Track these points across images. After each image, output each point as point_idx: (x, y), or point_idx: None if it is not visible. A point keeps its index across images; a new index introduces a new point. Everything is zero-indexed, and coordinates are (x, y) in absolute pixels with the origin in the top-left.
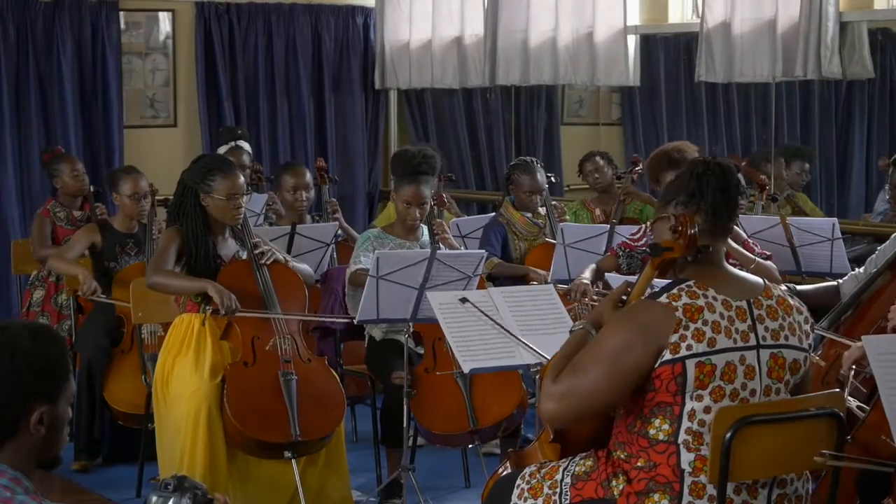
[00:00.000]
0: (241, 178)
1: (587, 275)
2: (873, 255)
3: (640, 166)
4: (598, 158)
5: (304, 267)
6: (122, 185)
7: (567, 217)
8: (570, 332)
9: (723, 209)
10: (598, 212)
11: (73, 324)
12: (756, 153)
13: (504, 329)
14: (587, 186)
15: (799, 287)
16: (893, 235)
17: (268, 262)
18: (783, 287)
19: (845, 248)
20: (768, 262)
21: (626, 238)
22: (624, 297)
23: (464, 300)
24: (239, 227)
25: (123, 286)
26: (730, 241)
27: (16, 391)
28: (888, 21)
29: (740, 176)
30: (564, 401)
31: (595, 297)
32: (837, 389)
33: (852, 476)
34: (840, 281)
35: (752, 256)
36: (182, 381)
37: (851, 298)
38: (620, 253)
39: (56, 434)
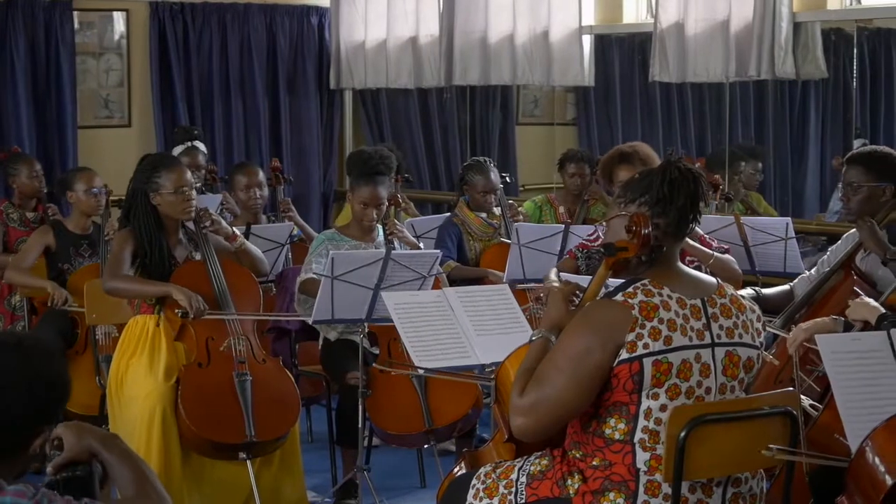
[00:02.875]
0: (188, 172)
1: (555, 277)
2: (825, 256)
3: None
4: (584, 165)
5: (257, 251)
6: (76, 182)
7: (521, 217)
8: (530, 341)
9: (689, 216)
10: (561, 209)
11: (26, 325)
12: (712, 154)
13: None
14: (548, 186)
15: (763, 291)
16: (845, 235)
17: (207, 225)
18: (748, 291)
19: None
20: (727, 256)
21: (583, 239)
22: (575, 298)
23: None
24: (191, 226)
25: (78, 288)
26: (687, 238)
27: (32, 417)
28: (841, 21)
29: (705, 180)
30: (533, 413)
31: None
32: (791, 388)
33: (805, 474)
34: (792, 284)
35: (710, 252)
36: (136, 383)
37: (805, 297)
38: (579, 254)
39: (44, 451)
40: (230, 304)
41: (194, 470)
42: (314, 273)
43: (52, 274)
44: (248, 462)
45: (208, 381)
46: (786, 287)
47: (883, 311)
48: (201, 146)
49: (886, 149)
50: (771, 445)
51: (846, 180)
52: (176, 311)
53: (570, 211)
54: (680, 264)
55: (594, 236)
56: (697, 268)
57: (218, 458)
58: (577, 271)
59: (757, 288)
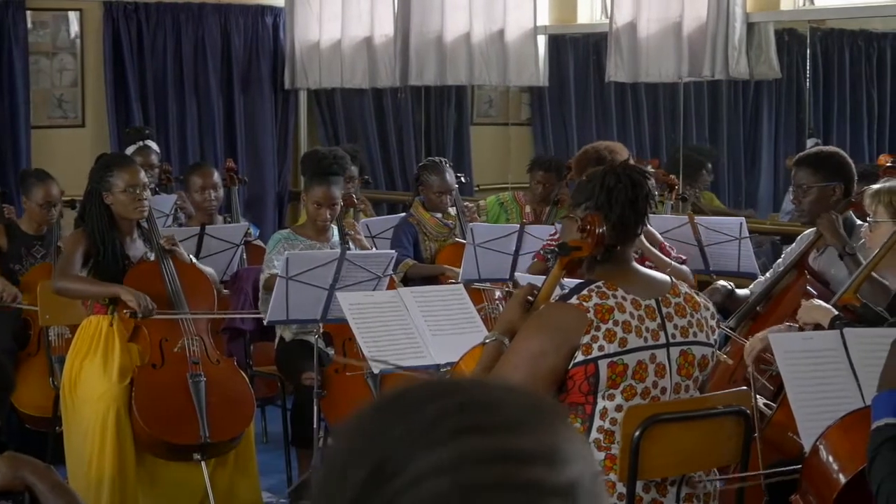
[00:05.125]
0: (141, 172)
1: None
2: (779, 260)
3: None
4: (553, 175)
5: (209, 270)
6: (34, 191)
7: (477, 216)
8: (484, 343)
9: (630, 221)
10: (528, 209)
11: None
12: (670, 156)
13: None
14: (503, 187)
15: (738, 290)
16: (800, 236)
17: (170, 249)
18: (722, 283)
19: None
20: (683, 267)
21: (546, 240)
22: (531, 299)
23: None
24: (146, 226)
25: (30, 288)
26: (647, 244)
27: None
28: (794, 22)
29: (653, 183)
30: None
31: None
32: (745, 387)
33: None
34: (751, 288)
35: (668, 261)
36: (90, 384)
37: (759, 296)
38: (548, 255)
39: None
40: (184, 304)
41: (148, 471)
42: (276, 271)
43: (2, 274)
44: (203, 463)
45: (162, 382)
46: (746, 291)
47: (835, 312)
48: (153, 145)
49: (832, 148)
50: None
51: (796, 182)
52: (125, 311)
53: (536, 212)
54: (635, 264)
55: (557, 236)
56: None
57: (172, 460)
58: (547, 272)
59: (731, 283)
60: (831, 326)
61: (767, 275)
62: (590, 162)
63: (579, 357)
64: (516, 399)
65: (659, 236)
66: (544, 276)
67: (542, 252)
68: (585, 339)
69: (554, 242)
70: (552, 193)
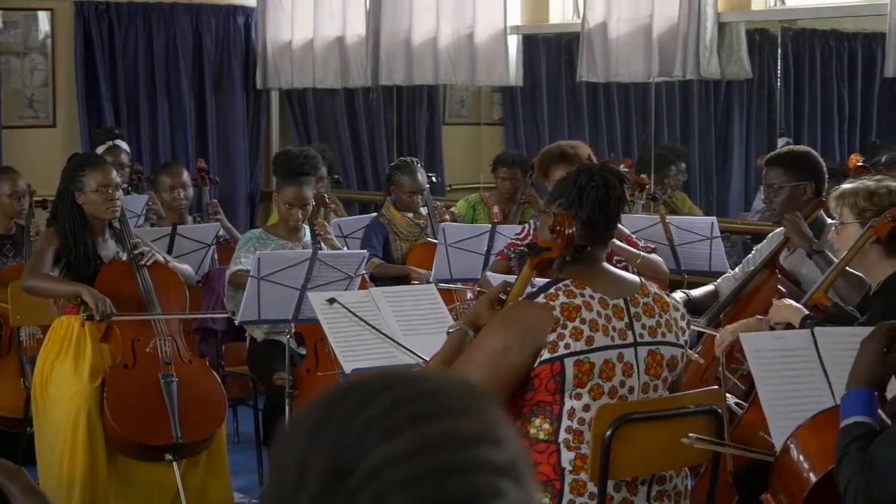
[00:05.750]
0: (113, 172)
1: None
2: (750, 255)
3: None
4: (517, 170)
5: (185, 267)
6: (1, 185)
7: (450, 217)
8: (448, 332)
9: (600, 222)
10: (495, 209)
11: None
12: (641, 155)
13: (375, 329)
14: (474, 186)
15: (692, 293)
16: (770, 234)
17: (148, 263)
18: (679, 295)
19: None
20: (653, 256)
21: (512, 238)
22: (503, 297)
23: (332, 300)
24: (118, 226)
25: (1, 288)
26: (614, 239)
27: None
28: (765, 22)
29: (627, 186)
30: None
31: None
32: (716, 387)
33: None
34: (716, 283)
35: (637, 252)
36: (61, 384)
37: (730, 296)
38: (511, 254)
39: None
40: (156, 304)
41: (120, 472)
42: (243, 267)
43: None
44: (175, 463)
45: (134, 383)
46: (710, 287)
47: (806, 312)
48: (124, 145)
49: (804, 148)
50: (690, 434)
51: (767, 182)
52: (81, 312)
53: (504, 211)
54: (605, 264)
55: (524, 235)
56: (625, 268)
57: (144, 460)
58: (510, 271)
59: (686, 291)
60: (802, 326)
61: (737, 270)
62: (552, 160)
63: (545, 355)
64: (453, 385)
65: (625, 230)
66: (506, 274)
67: (505, 251)
68: (552, 336)
69: (519, 242)
70: (518, 191)
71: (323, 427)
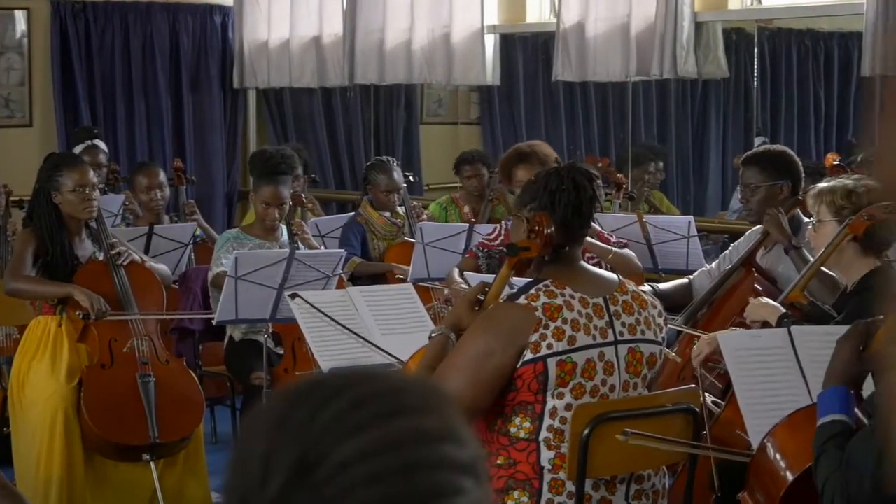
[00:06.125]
0: (91, 172)
1: (458, 278)
2: (726, 252)
3: None
4: (480, 166)
5: (162, 267)
6: None
7: (425, 216)
8: (430, 337)
9: (575, 224)
10: (466, 209)
11: None
12: (619, 154)
13: (340, 325)
14: (452, 186)
15: (660, 286)
16: (748, 232)
17: (125, 263)
18: (646, 287)
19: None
20: (626, 251)
21: (483, 238)
22: (481, 297)
23: (293, 296)
24: (95, 226)
25: None
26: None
27: None
28: (742, 21)
29: (599, 184)
30: None
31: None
32: (693, 385)
33: (707, 471)
34: (690, 277)
35: (609, 247)
36: (38, 385)
37: (707, 294)
38: (480, 253)
39: None
40: (133, 304)
41: (97, 472)
42: (225, 268)
43: None
44: (152, 463)
45: (111, 383)
46: (683, 281)
47: (783, 310)
48: (102, 145)
49: (780, 147)
50: (627, 430)
51: (744, 181)
52: (77, 312)
53: (475, 210)
54: (582, 263)
55: (494, 235)
56: (597, 264)
57: (121, 460)
58: (478, 270)
59: (654, 284)
60: (779, 324)
61: (713, 265)
62: (510, 162)
63: (528, 355)
64: (415, 385)
65: (597, 226)
66: (473, 273)
67: (474, 249)
68: (534, 337)
69: (488, 242)
70: (486, 188)
71: (287, 422)
